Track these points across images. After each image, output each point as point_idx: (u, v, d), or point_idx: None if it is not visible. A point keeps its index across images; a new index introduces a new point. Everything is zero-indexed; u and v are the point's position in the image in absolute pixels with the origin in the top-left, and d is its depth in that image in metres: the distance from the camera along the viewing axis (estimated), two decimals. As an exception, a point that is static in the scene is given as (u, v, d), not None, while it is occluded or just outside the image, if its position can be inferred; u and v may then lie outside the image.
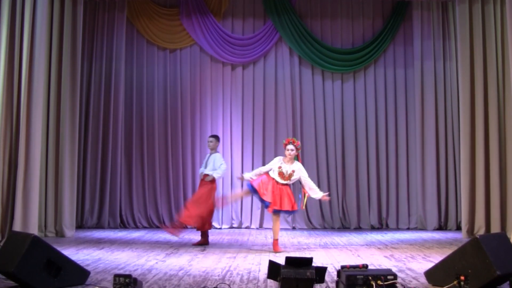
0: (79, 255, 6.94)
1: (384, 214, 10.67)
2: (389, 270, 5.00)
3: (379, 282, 4.56)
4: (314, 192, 7.53)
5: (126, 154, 10.74)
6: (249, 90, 10.91)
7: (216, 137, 8.44)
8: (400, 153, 10.75)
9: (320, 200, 10.31)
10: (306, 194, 7.57)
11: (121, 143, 10.66)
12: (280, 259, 5.13)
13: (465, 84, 9.24)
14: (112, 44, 10.69)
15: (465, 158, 9.16)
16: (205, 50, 10.87)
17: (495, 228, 8.79)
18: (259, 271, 5.89)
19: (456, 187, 10.38)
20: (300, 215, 10.43)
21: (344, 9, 10.96)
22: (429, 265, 5.79)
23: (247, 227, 10.60)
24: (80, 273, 5.21)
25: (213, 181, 8.12)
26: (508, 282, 4.69)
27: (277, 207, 7.36)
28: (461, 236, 9.16)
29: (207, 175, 8.11)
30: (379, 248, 7.84)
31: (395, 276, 4.68)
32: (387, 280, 4.60)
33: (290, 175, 7.44)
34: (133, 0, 10.73)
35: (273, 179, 7.45)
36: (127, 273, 5.09)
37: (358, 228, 10.53)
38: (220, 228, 10.55)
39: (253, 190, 7.49)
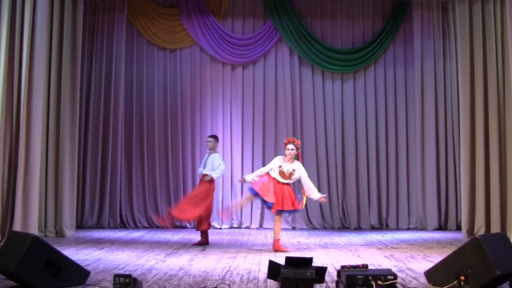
0: (79, 255, 6.94)
1: (384, 214, 10.67)
2: (389, 270, 5.00)
3: (379, 282, 4.56)
4: (312, 192, 7.55)
5: (126, 154, 10.74)
6: (249, 90, 10.91)
7: (215, 137, 8.44)
8: (400, 153, 10.75)
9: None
10: (306, 194, 7.58)
11: (121, 143, 10.66)
12: (280, 259, 5.13)
13: (465, 84, 9.24)
14: (112, 44, 10.69)
15: (465, 158, 9.16)
16: (205, 50, 10.87)
17: (495, 228, 8.79)
18: (259, 271, 5.89)
19: (456, 187, 10.38)
20: (300, 215, 10.43)
21: (344, 9, 10.96)
22: (429, 265, 5.79)
23: (247, 227, 10.60)
24: (80, 273, 5.21)
25: (211, 181, 8.12)
26: (508, 282, 4.69)
27: (280, 207, 7.38)
28: (461, 236, 9.16)
29: (206, 175, 8.12)
30: (379, 248, 7.84)
31: (395, 276, 4.68)
32: (387, 280, 4.60)
33: (291, 174, 7.45)
34: (133, 0, 10.73)
35: (274, 179, 7.47)
36: (127, 273, 5.09)
37: (358, 228, 10.53)
38: (220, 228, 10.56)
39: (255, 194, 7.50)
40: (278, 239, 7.53)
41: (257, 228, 10.54)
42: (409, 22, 10.82)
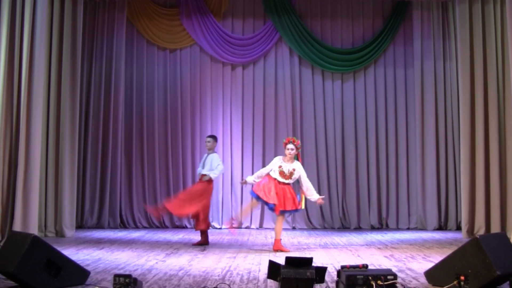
0: (79, 255, 6.94)
1: (384, 214, 10.67)
2: (389, 270, 5.00)
3: (379, 282, 4.56)
4: (311, 193, 7.55)
5: (126, 154, 10.74)
6: (249, 90, 10.91)
7: (213, 137, 8.45)
8: (400, 153, 10.75)
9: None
10: (304, 194, 7.58)
11: (121, 143, 10.66)
12: (280, 259, 5.13)
13: (465, 84, 9.24)
14: (112, 44, 10.69)
15: (465, 158, 9.16)
16: (205, 50, 10.87)
17: (495, 228, 8.79)
18: (259, 271, 5.89)
19: (456, 187, 10.38)
20: (300, 215, 10.43)
21: (344, 9, 10.96)
22: (429, 265, 5.79)
23: (247, 227, 10.60)
24: (80, 273, 5.21)
25: (210, 181, 8.12)
26: (508, 282, 4.69)
27: (282, 208, 7.39)
28: (461, 236, 9.16)
29: (204, 175, 8.12)
30: (379, 248, 7.84)
31: (395, 276, 4.68)
32: (387, 280, 4.60)
33: (291, 174, 7.46)
34: (133, 0, 10.73)
35: (275, 179, 7.47)
36: (127, 273, 5.09)
37: (358, 228, 10.53)
38: (220, 228, 10.56)
39: (256, 197, 7.50)
40: (280, 239, 7.54)
41: (257, 228, 10.54)
42: (409, 22, 10.82)
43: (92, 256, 6.91)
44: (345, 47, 10.89)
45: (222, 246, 8.02)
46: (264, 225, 10.55)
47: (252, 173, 9.53)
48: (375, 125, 10.80)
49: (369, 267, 4.94)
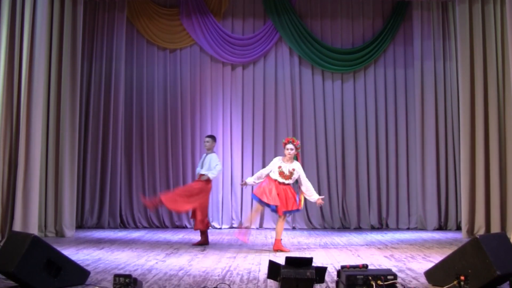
0: (79, 255, 6.94)
1: (384, 214, 10.67)
2: (389, 270, 5.00)
3: (379, 282, 4.56)
4: (310, 193, 7.55)
5: (126, 154, 10.74)
6: (249, 90, 10.91)
7: (212, 137, 8.45)
8: (400, 153, 10.75)
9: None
10: (303, 194, 7.57)
11: (121, 143, 10.66)
12: (280, 259, 5.13)
13: (465, 84, 9.24)
14: (112, 44, 10.69)
15: (465, 158, 9.16)
16: (205, 50, 10.87)
17: (495, 228, 8.79)
18: (259, 271, 5.89)
19: (456, 187, 10.38)
20: (300, 215, 10.43)
21: (344, 9, 10.96)
22: (429, 265, 5.79)
23: (246, 227, 10.57)
24: (80, 273, 5.21)
25: (208, 181, 8.12)
26: (508, 282, 4.69)
27: (285, 208, 7.39)
28: (461, 236, 9.16)
29: (202, 175, 8.12)
30: (379, 248, 7.85)
31: (395, 276, 4.68)
32: (387, 280, 4.60)
33: (291, 174, 7.46)
34: (133, 0, 10.73)
35: (275, 180, 7.46)
36: (127, 273, 5.09)
37: (358, 228, 10.53)
38: (220, 228, 10.56)
39: (258, 200, 7.49)
40: (280, 239, 7.54)
41: (257, 228, 10.53)
42: (409, 22, 10.82)
43: (92, 256, 6.91)
44: (345, 47, 10.89)
45: (222, 246, 8.02)
46: (264, 225, 10.55)
47: (252, 173, 9.54)
48: (375, 125, 10.80)
49: (369, 267, 4.94)
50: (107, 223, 10.44)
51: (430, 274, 5.20)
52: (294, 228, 10.51)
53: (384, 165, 10.73)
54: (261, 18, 10.97)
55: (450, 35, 10.57)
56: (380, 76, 10.89)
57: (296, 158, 7.62)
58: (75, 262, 5.31)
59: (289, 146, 7.51)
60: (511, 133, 8.86)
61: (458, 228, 10.09)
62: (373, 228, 10.51)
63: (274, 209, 7.41)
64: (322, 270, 4.76)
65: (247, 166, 10.73)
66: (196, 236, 8.55)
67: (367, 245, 8.21)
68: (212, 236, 8.88)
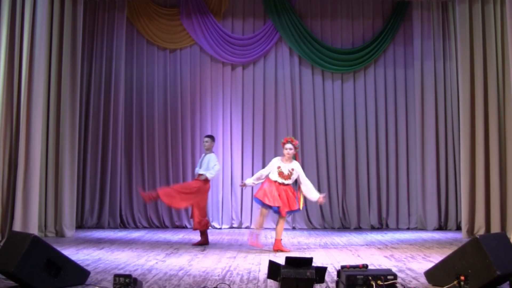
0: (79, 255, 6.94)
1: (384, 214, 10.67)
2: (389, 270, 5.00)
3: (379, 282, 4.56)
4: (311, 192, 7.53)
5: (126, 154, 10.74)
6: (249, 90, 10.91)
7: (211, 138, 8.46)
8: (400, 153, 10.75)
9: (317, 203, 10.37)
10: (303, 193, 7.55)
11: (121, 143, 10.67)
12: (280, 259, 5.13)
13: (465, 84, 9.24)
14: (112, 44, 10.69)
15: (465, 158, 9.16)
16: (205, 50, 10.87)
17: (495, 228, 8.79)
18: (259, 271, 5.89)
19: (456, 187, 10.38)
20: (300, 215, 10.43)
21: (344, 9, 10.96)
22: (429, 265, 5.79)
23: (247, 227, 10.59)
24: (80, 273, 5.21)
25: (206, 181, 8.12)
26: (508, 282, 4.69)
27: (288, 209, 7.38)
28: (461, 236, 9.16)
29: (201, 174, 8.13)
30: (379, 248, 7.84)
31: (395, 276, 4.68)
32: (387, 280, 4.60)
33: (290, 173, 7.45)
34: (133, 0, 10.73)
35: (275, 181, 7.45)
36: (127, 273, 5.09)
37: (358, 228, 10.53)
38: (220, 228, 10.56)
39: (262, 204, 7.48)
40: (280, 239, 7.54)
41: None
42: (409, 22, 10.82)
43: (92, 256, 6.91)
44: (345, 47, 10.89)
45: (222, 246, 8.02)
46: (264, 225, 10.52)
47: (252, 174, 9.54)
48: (375, 125, 10.80)
49: (369, 267, 4.94)
50: (107, 223, 10.44)
51: (430, 274, 5.20)
52: (294, 228, 10.51)
53: (384, 165, 10.73)
54: (261, 18, 10.98)
55: (450, 35, 10.57)
56: (380, 76, 10.89)
57: (294, 157, 7.61)
58: (75, 262, 5.31)
59: (288, 145, 7.51)
60: (511, 133, 8.86)
61: (458, 228, 10.09)
62: (373, 228, 10.51)
63: (277, 210, 7.40)
64: (322, 270, 4.76)
65: (247, 166, 10.73)
66: (196, 236, 8.55)
67: (367, 245, 8.21)
68: (212, 236, 8.88)
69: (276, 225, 7.61)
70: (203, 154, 8.40)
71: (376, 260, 6.63)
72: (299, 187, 7.58)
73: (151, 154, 10.75)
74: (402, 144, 10.75)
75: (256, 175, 7.82)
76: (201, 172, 8.15)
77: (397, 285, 4.69)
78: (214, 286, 5.03)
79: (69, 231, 9.07)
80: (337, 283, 4.83)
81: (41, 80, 8.38)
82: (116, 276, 4.66)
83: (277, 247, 7.46)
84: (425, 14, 10.64)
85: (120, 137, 10.64)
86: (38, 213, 8.36)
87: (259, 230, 7.64)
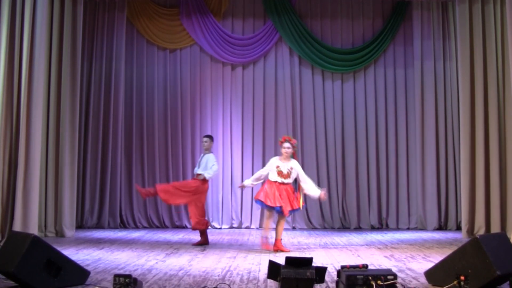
0: (79, 255, 6.94)
1: (384, 214, 10.67)
2: (389, 270, 5.00)
3: (379, 282, 4.56)
4: (312, 189, 7.52)
5: (126, 154, 10.74)
6: (249, 90, 10.91)
7: (210, 137, 8.47)
8: (400, 153, 10.74)
9: (319, 200, 10.36)
10: (302, 191, 7.54)
11: (121, 143, 10.67)
12: (280, 259, 5.13)
13: (465, 84, 9.24)
14: (112, 44, 10.69)
15: (465, 158, 9.16)
16: (205, 50, 10.87)
17: (495, 228, 8.79)
18: (259, 271, 5.89)
19: (456, 187, 10.38)
20: (300, 215, 10.44)
21: (344, 9, 10.96)
22: (429, 265, 5.79)
23: (247, 227, 10.60)
24: (80, 273, 5.21)
25: (204, 181, 8.12)
26: (508, 282, 4.69)
27: (290, 208, 7.37)
28: (461, 236, 9.16)
29: (199, 174, 8.13)
30: (379, 248, 7.85)
31: (395, 276, 4.68)
32: (387, 280, 4.60)
33: (289, 172, 7.45)
34: (133, 0, 10.73)
35: (275, 182, 7.44)
36: (127, 273, 5.09)
37: (358, 228, 10.53)
38: (220, 228, 10.56)
39: (265, 206, 7.46)
40: (280, 239, 7.53)
41: (257, 228, 10.52)
42: (409, 22, 10.82)
43: (92, 256, 6.91)
44: (345, 47, 10.89)
45: (222, 246, 8.02)
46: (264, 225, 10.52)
47: (252, 173, 9.53)
48: (375, 125, 10.80)
49: (369, 267, 4.94)
50: (107, 223, 10.44)
51: (430, 274, 5.21)
52: (294, 228, 10.51)
53: (384, 165, 10.73)
54: (261, 18, 10.98)
55: (450, 35, 10.57)
56: (380, 76, 10.89)
57: (292, 157, 7.60)
58: (75, 262, 5.31)
59: (286, 144, 7.50)
60: (511, 133, 8.86)
61: (458, 228, 10.09)
62: (373, 228, 10.51)
63: (279, 210, 7.38)
64: (322, 270, 4.76)
65: (247, 166, 10.73)
66: (196, 236, 8.55)
67: (367, 245, 8.21)
68: (212, 236, 8.88)
69: (277, 225, 7.60)
70: (202, 154, 8.41)
71: (376, 260, 6.63)
72: (299, 186, 7.57)
73: (151, 154, 10.75)
74: (402, 144, 10.74)
75: (255, 175, 7.82)
76: (199, 172, 8.16)
77: (397, 285, 4.69)
78: (214, 286, 5.03)
79: (69, 231, 9.07)
80: (337, 283, 4.83)
81: (41, 80, 8.38)
82: (116, 276, 4.67)
83: (277, 247, 7.45)
84: (425, 14, 10.64)
85: (120, 137, 10.64)
86: (38, 213, 8.36)
87: (267, 232, 7.56)
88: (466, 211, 9.09)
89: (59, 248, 5.44)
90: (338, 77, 10.90)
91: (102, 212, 10.49)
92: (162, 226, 10.59)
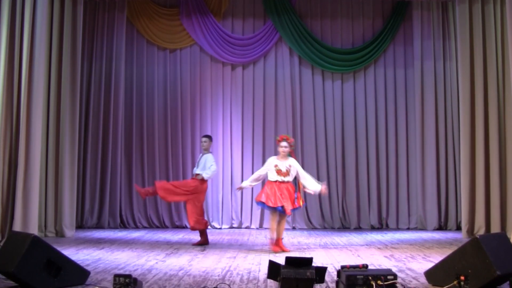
0: (79, 255, 6.94)
1: (384, 214, 10.67)
2: (389, 270, 5.01)
3: (379, 282, 4.56)
4: (312, 184, 7.50)
5: (126, 154, 10.74)
6: (249, 90, 10.91)
7: (209, 137, 8.47)
8: (400, 153, 10.74)
9: (320, 199, 10.38)
10: (302, 189, 7.53)
11: (121, 143, 10.67)
12: (280, 259, 5.13)
13: (465, 84, 9.24)
14: (112, 44, 10.69)
15: (465, 158, 9.16)
16: (205, 50, 10.87)
17: (495, 228, 8.79)
18: (259, 271, 5.89)
19: (456, 187, 10.38)
20: (300, 215, 10.44)
21: (344, 9, 10.96)
22: (429, 265, 5.79)
23: (247, 227, 10.60)
24: (80, 273, 5.21)
25: (203, 181, 8.11)
26: (508, 282, 4.70)
27: (292, 207, 7.36)
28: (461, 236, 9.16)
29: (198, 174, 8.14)
30: (379, 248, 7.85)
31: (395, 276, 4.68)
32: (387, 280, 4.60)
33: (288, 170, 7.44)
34: (133, 0, 10.73)
35: (275, 181, 7.43)
36: (127, 273, 5.09)
37: (358, 228, 10.53)
38: (220, 228, 10.56)
39: (265, 206, 7.46)
40: (282, 238, 7.53)
41: (257, 228, 10.54)
42: (409, 22, 10.82)
43: (92, 256, 6.91)
44: (345, 47, 10.89)
45: (222, 246, 8.02)
46: (264, 225, 10.54)
47: (252, 173, 9.51)
48: (375, 125, 10.80)
49: (369, 267, 4.95)
50: (107, 223, 10.44)
51: (430, 274, 5.21)
52: (294, 228, 10.51)
53: (384, 165, 10.73)
54: (261, 18, 10.97)
55: (450, 35, 10.57)
56: (380, 76, 10.89)
57: (290, 155, 7.59)
58: (75, 262, 5.31)
59: (283, 143, 7.50)
60: (511, 133, 8.86)
61: (458, 228, 10.09)
62: (373, 228, 10.51)
63: (281, 210, 7.35)
64: (322, 270, 4.76)
65: (247, 166, 10.73)
66: (196, 236, 8.55)
67: (367, 245, 8.21)
68: (212, 236, 8.88)
69: (278, 224, 7.59)
70: (201, 154, 8.42)
71: (376, 260, 6.63)
72: (299, 185, 7.55)
73: (151, 154, 10.75)
74: (402, 144, 10.74)
75: (253, 176, 7.83)
76: (198, 172, 8.16)
77: (397, 285, 4.69)
78: (214, 286, 5.03)
79: (69, 231, 9.07)
80: (337, 283, 4.84)
81: (41, 80, 8.38)
82: (116, 276, 4.67)
83: (278, 247, 7.44)
84: (425, 14, 10.64)
85: (120, 137, 10.64)
86: (38, 213, 8.36)
87: (274, 233, 7.51)
88: (466, 211, 9.09)
89: (59, 248, 5.44)
90: (338, 77, 10.90)
91: (102, 212, 10.49)
92: (162, 226, 10.59)
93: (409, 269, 6.01)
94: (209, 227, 9.26)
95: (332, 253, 7.34)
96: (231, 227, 10.65)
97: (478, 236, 4.75)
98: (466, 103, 9.22)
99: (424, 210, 10.43)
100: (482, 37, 9.15)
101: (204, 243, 8.08)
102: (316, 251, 7.53)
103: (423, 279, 5.32)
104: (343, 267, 4.83)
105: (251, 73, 10.94)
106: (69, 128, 9.25)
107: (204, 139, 8.42)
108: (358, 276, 4.59)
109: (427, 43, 10.60)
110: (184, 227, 10.52)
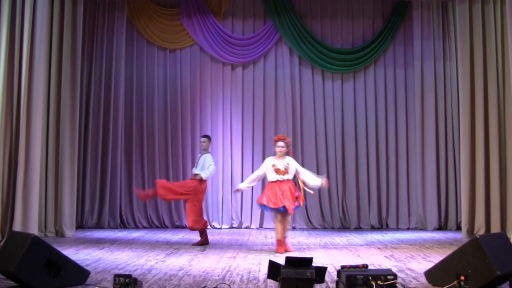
0: (79, 255, 6.94)
1: (384, 214, 10.67)
2: (389, 270, 5.01)
3: (379, 282, 4.56)
4: (312, 180, 7.47)
5: (126, 154, 10.74)
6: (249, 90, 10.92)
7: (208, 137, 8.48)
8: (400, 153, 10.74)
9: (320, 199, 10.38)
10: (302, 186, 7.52)
11: (121, 143, 10.67)
12: (280, 259, 5.13)
13: (465, 84, 9.24)
14: (112, 44, 10.69)
15: (465, 158, 9.16)
16: (205, 50, 10.87)
17: (495, 228, 8.80)
18: (259, 271, 5.89)
19: (456, 187, 10.38)
20: (300, 215, 10.44)
21: (344, 9, 10.96)
22: (429, 265, 5.79)
23: (247, 227, 10.60)
24: (80, 273, 5.21)
25: (202, 181, 8.11)
26: (508, 282, 4.69)
27: (293, 205, 7.35)
28: (461, 236, 9.16)
29: (196, 174, 8.14)
30: (379, 248, 7.85)
31: (395, 276, 4.68)
32: (387, 280, 4.60)
33: (286, 168, 7.42)
34: (133, 0, 10.73)
35: (275, 181, 7.41)
36: (127, 273, 5.09)
37: (358, 228, 10.53)
38: (220, 228, 10.56)
39: (265, 208, 7.44)
40: (285, 238, 7.51)
41: (257, 228, 10.54)
42: (409, 22, 10.82)
43: (92, 256, 6.91)
44: (345, 47, 10.89)
45: (222, 246, 8.02)
46: (264, 225, 10.54)
47: (252, 173, 9.51)
48: (375, 125, 10.80)
49: (369, 267, 4.94)
50: (107, 223, 10.44)
51: (430, 274, 5.21)
52: (294, 228, 10.50)
53: (384, 165, 10.73)
54: (261, 18, 10.97)
55: (450, 35, 10.57)
56: (380, 76, 10.89)
57: (287, 155, 7.58)
58: (75, 262, 5.31)
59: (280, 143, 7.49)
60: (511, 133, 8.86)
61: (458, 228, 10.09)
62: (373, 228, 10.51)
63: (283, 210, 7.33)
64: (322, 270, 4.76)
65: (247, 166, 10.73)
66: (196, 236, 8.55)
67: (367, 245, 8.21)
68: (212, 236, 8.88)
69: (281, 224, 7.54)
70: (200, 154, 8.42)
71: (376, 260, 6.63)
72: (299, 184, 7.53)
73: (151, 154, 10.75)
74: (402, 144, 10.74)
75: (250, 178, 7.81)
76: (196, 172, 8.17)
77: (397, 285, 4.69)
78: (214, 286, 5.03)
79: (69, 231, 9.07)
80: (337, 283, 4.84)
81: (41, 80, 8.38)
82: (116, 276, 4.67)
83: (286, 247, 7.43)
84: (425, 14, 10.63)
85: (120, 137, 10.64)
86: (38, 213, 8.36)
87: (279, 237, 7.47)
88: (466, 211, 9.09)
89: (59, 248, 5.44)
90: (338, 77, 10.90)
91: (102, 212, 10.49)
92: (162, 226, 10.59)
93: (409, 269, 6.01)
94: (209, 227, 9.27)
95: (332, 253, 7.34)
96: (231, 227, 10.65)
97: (478, 236, 4.75)
98: (466, 103, 9.22)
99: (424, 210, 10.43)
100: (482, 37, 9.15)
101: (204, 243, 8.08)
102: (316, 251, 7.53)
103: (423, 279, 5.32)
104: (343, 267, 4.83)
105: (251, 73, 10.94)
106: (69, 128, 9.25)
107: (203, 139, 8.42)
108: (358, 276, 4.59)
109: (427, 43, 10.60)
110: (184, 227, 10.51)
